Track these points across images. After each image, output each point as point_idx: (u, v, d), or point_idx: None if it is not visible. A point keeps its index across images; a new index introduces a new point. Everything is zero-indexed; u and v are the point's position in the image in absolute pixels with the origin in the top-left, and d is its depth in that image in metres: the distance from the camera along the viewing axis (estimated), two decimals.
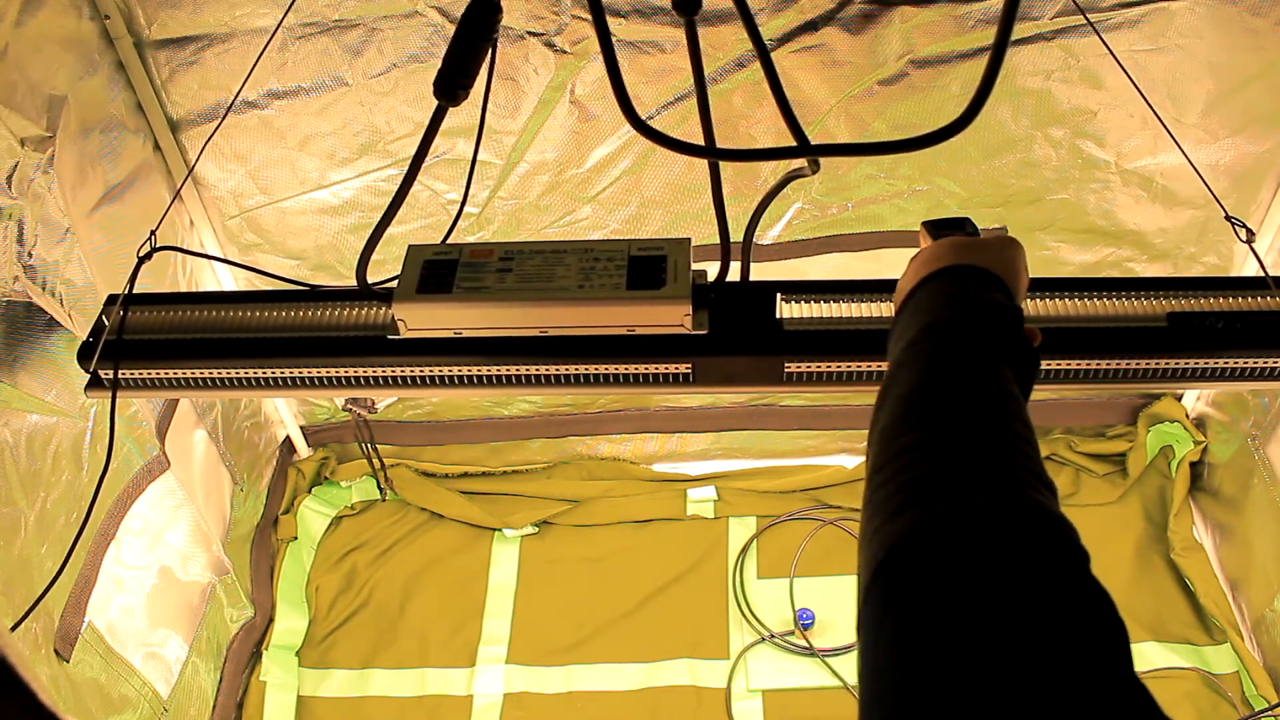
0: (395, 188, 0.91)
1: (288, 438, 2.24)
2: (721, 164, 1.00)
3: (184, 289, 1.74)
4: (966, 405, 0.61)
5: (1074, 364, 0.99)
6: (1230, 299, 1.00)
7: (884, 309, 1.02)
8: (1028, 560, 0.49)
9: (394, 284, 0.99)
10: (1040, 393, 1.88)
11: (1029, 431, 0.60)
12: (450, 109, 0.87)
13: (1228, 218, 1.08)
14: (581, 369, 1.01)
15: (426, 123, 0.87)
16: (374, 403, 2.08)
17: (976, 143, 1.65)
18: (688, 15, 0.87)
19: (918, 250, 0.87)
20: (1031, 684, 0.44)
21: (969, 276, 0.74)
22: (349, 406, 2.07)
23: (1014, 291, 0.75)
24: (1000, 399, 0.62)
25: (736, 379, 1.02)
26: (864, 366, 1.00)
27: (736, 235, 1.02)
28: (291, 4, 1.41)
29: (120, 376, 1.04)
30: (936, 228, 0.90)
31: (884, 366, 0.99)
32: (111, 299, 1.09)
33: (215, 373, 1.04)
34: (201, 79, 1.54)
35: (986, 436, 0.58)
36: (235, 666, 1.94)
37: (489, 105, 1.09)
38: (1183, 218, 1.77)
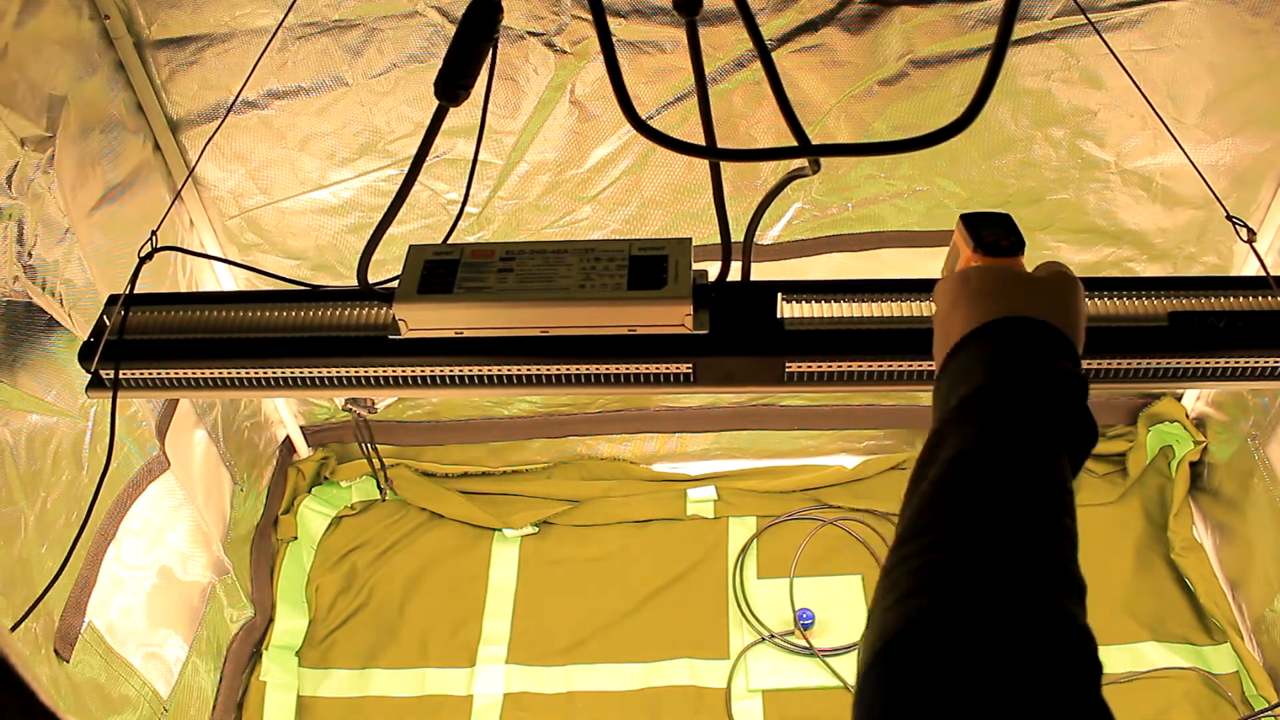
0: (395, 188, 0.91)
1: (288, 438, 2.24)
2: (722, 164, 1.00)
3: (184, 289, 1.74)
4: (1012, 491, 0.57)
5: None
6: (1231, 299, 1.00)
7: (885, 309, 1.02)
8: (1035, 673, 0.47)
9: (395, 284, 0.99)
10: None
11: (1072, 523, 0.57)
12: (450, 109, 0.87)
13: (1229, 217, 1.08)
14: (582, 369, 1.01)
15: (426, 123, 0.87)
16: (374, 403, 2.08)
17: (976, 143, 1.66)
18: (688, 15, 0.87)
19: (958, 267, 0.81)
20: None
21: (1031, 334, 0.66)
22: (349, 406, 2.07)
23: (1076, 345, 0.68)
24: (1050, 487, 0.57)
25: (737, 379, 1.02)
26: (865, 367, 1.00)
27: (737, 235, 1.02)
28: (292, 4, 1.41)
29: (121, 376, 1.04)
30: (975, 224, 0.85)
31: (886, 366, 1.00)
32: (112, 299, 1.08)
33: (216, 373, 1.04)
34: (201, 79, 1.54)
35: (1025, 529, 0.54)
36: (235, 666, 1.94)
37: (489, 105, 1.09)
38: (1183, 218, 1.77)
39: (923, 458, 0.62)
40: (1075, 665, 0.47)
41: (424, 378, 1.04)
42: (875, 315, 1.02)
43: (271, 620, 2.06)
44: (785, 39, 1.50)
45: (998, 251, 0.82)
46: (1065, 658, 0.48)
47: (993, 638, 0.48)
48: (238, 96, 1.48)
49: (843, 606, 2.04)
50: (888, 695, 0.49)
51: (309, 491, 2.24)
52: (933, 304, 0.78)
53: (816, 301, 1.03)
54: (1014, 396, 0.62)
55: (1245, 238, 1.06)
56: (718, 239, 1.02)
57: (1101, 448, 2.18)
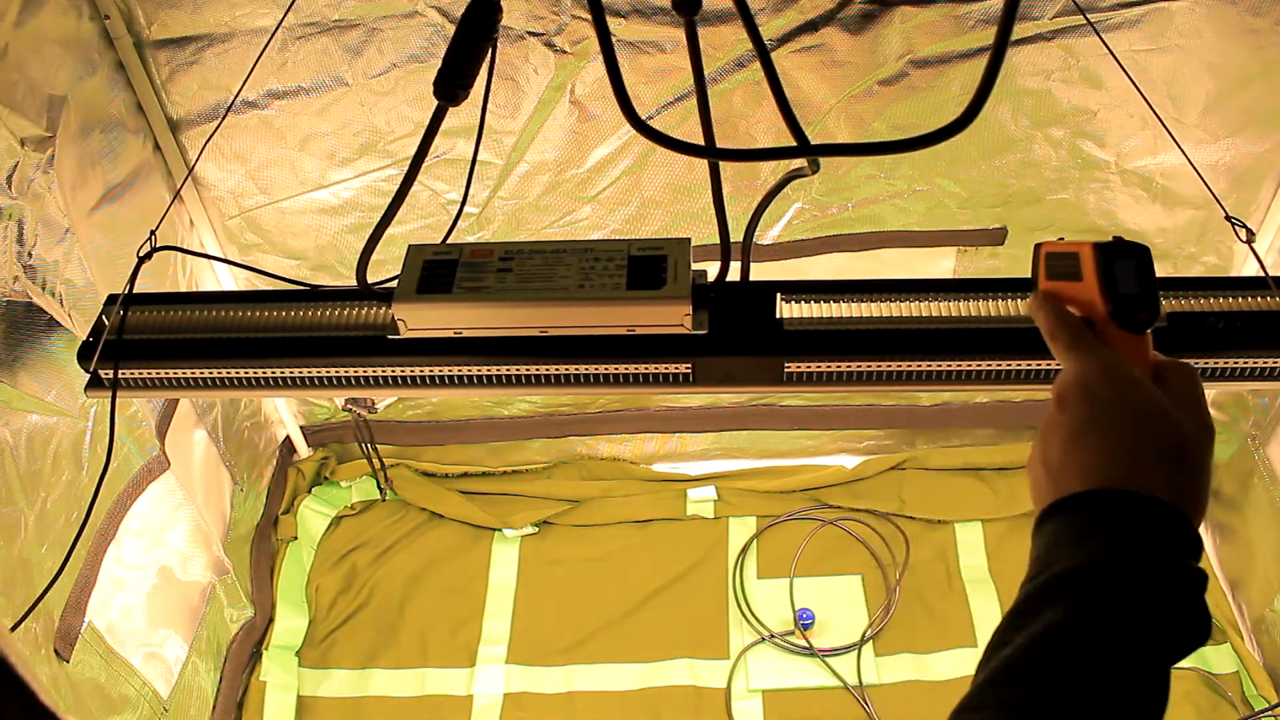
0: (395, 188, 0.91)
1: (288, 438, 2.24)
2: (721, 164, 1.00)
3: (184, 289, 1.74)
4: (1094, 679, 0.53)
5: None
6: (1231, 299, 1.00)
7: (885, 309, 1.02)
8: None
9: (394, 284, 0.99)
10: (1042, 393, 1.88)
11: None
12: (450, 109, 0.87)
13: (1228, 218, 1.08)
14: (582, 369, 1.01)
15: (426, 123, 0.87)
16: (374, 403, 2.08)
17: (976, 143, 1.66)
18: (688, 15, 0.87)
19: (1080, 310, 0.70)
20: None
21: (1156, 523, 0.57)
22: (349, 406, 2.07)
23: (1200, 524, 0.59)
24: (1136, 681, 0.53)
25: (736, 379, 1.02)
26: (865, 367, 1.00)
27: (736, 235, 1.02)
28: (292, 4, 1.41)
29: (120, 376, 1.04)
30: (1110, 259, 0.70)
31: (886, 366, 1.00)
32: (112, 299, 1.08)
33: (215, 373, 1.04)
34: (201, 79, 1.54)
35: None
36: (235, 666, 1.94)
37: (489, 105, 1.09)
38: (1182, 218, 1.77)
39: (1010, 620, 0.57)
40: None
41: (423, 378, 1.04)
42: (875, 315, 1.02)
43: (271, 620, 2.06)
44: (785, 39, 1.50)
45: (1138, 327, 0.69)
46: None
47: None
48: (237, 96, 1.48)
49: (843, 606, 2.04)
50: None
51: (309, 491, 2.24)
52: (1050, 399, 0.67)
53: (816, 302, 1.03)
54: (1137, 595, 0.55)
55: (1244, 238, 1.06)
56: (717, 239, 1.02)
57: None
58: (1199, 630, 0.55)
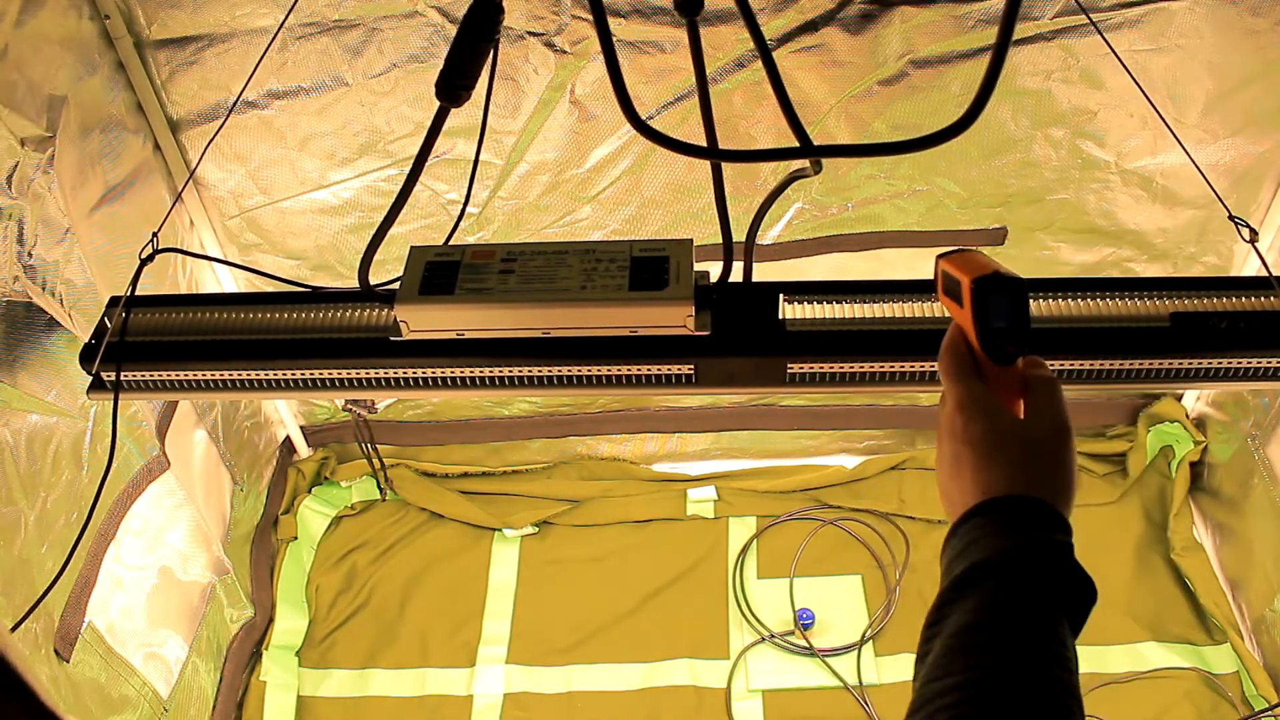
0: (395, 188, 0.91)
1: (288, 438, 2.24)
2: (723, 165, 1.00)
3: (184, 289, 1.74)
4: (1014, 657, 0.63)
5: (1075, 364, 0.99)
6: (1232, 299, 1.00)
7: (886, 309, 1.02)
8: None
9: (396, 285, 0.99)
10: None
11: (1070, 675, 0.63)
12: (451, 109, 0.87)
13: (1231, 217, 1.08)
14: (584, 370, 1.01)
15: (427, 123, 0.87)
16: (374, 403, 2.08)
17: (976, 143, 1.66)
18: (689, 16, 0.87)
19: (960, 335, 0.79)
20: None
21: (1026, 513, 0.71)
22: (349, 406, 2.07)
23: (1068, 508, 0.72)
24: (1049, 649, 0.63)
25: (739, 380, 1.02)
26: (867, 367, 1.00)
27: (738, 235, 1.02)
28: (293, 4, 1.41)
29: (122, 379, 1.04)
30: (985, 296, 0.76)
31: (887, 366, 1.00)
32: (113, 301, 1.08)
33: (217, 375, 1.04)
34: (201, 79, 1.54)
35: (1029, 690, 0.61)
36: (235, 666, 1.94)
37: (489, 105, 1.09)
38: (1183, 218, 1.77)
39: (927, 631, 0.68)
40: None
41: (425, 379, 1.04)
42: (876, 316, 1.02)
43: (271, 620, 2.05)
44: (785, 39, 1.50)
45: (1005, 360, 0.77)
46: None
47: None
48: (238, 97, 1.48)
49: (843, 606, 2.04)
50: None
51: (309, 491, 2.24)
52: (938, 434, 0.79)
53: (818, 302, 1.03)
54: (1011, 570, 0.67)
55: (1247, 238, 1.06)
56: (718, 239, 1.02)
57: (1101, 447, 2.18)
58: (1086, 587, 0.67)
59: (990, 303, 0.76)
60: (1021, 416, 0.76)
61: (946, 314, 1.00)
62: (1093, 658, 1.89)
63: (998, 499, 0.72)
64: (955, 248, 0.83)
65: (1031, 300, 1.00)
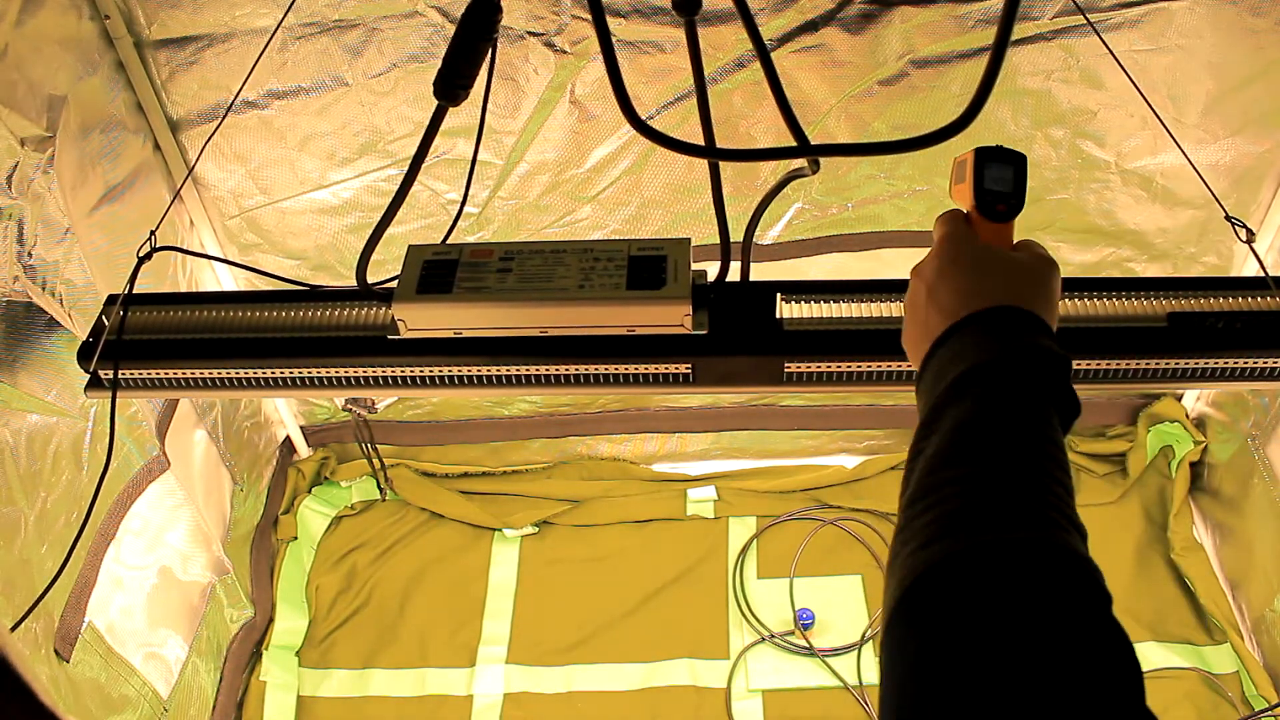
0: (395, 188, 0.91)
1: (288, 438, 2.24)
2: (721, 164, 1.00)
3: (184, 289, 1.74)
4: (1012, 445, 0.61)
5: (1075, 364, 0.99)
6: (1231, 299, 1.00)
7: (885, 309, 1.02)
8: (1053, 596, 0.52)
9: (394, 284, 0.99)
10: None
11: (1068, 477, 0.61)
12: (450, 109, 0.87)
13: (1228, 218, 1.08)
14: (582, 369, 1.01)
15: (426, 123, 0.87)
16: (374, 403, 2.08)
17: (976, 143, 1.65)
18: (688, 15, 0.87)
19: (955, 202, 0.83)
20: (1046, 713, 0.46)
21: (1015, 320, 0.71)
22: (349, 406, 2.07)
23: (1053, 325, 0.73)
24: (1045, 443, 0.62)
25: (737, 379, 1.02)
26: (865, 367, 1.00)
27: (736, 235, 1.02)
28: (292, 4, 1.41)
29: (120, 377, 1.04)
30: (984, 163, 0.83)
31: (886, 366, 1.00)
32: (111, 299, 1.08)
33: (215, 373, 1.04)
34: (201, 79, 1.54)
35: (1028, 477, 0.59)
36: (235, 666, 1.94)
37: (489, 105, 1.09)
38: (1183, 218, 1.77)
39: (921, 432, 0.66)
40: (1088, 592, 0.53)
41: (423, 378, 1.04)
42: (875, 316, 1.02)
43: (271, 620, 2.06)
44: (785, 39, 1.50)
45: (995, 217, 0.83)
46: (1079, 586, 0.53)
47: (1014, 572, 0.53)
48: (237, 96, 1.48)
49: (843, 606, 2.04)
50: (919, 631, 0.52)
51: (309, 491, 2.24)
52: (911, 280, 0.81)
53: (816, 302, 1.03)
54: (1006, 372, 0.66)
55: (1245, 238, 1.06)
56: (717, 239, 1.02)
57: (1101, 447, 2.18)
58: (1072, 398, 0.67)
59: (988, 168, 0.83)
60: None
61: None
62: None
63: (983, 311, 0.71)
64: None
65: None
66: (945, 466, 0.61)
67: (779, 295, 1.03)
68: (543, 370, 1.02)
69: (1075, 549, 0.55)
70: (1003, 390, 0.65)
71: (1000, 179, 0.83)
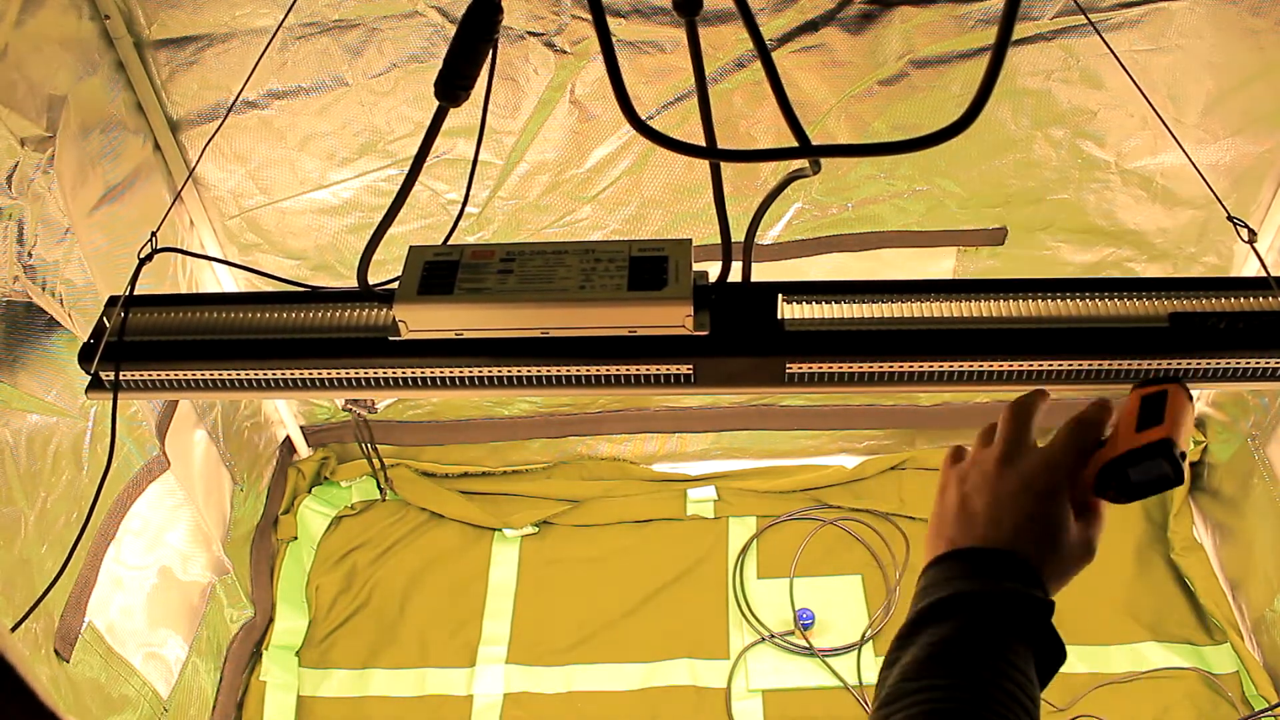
0: (395, 188, 0.91)
1: (288, 438, 2.24)
2: (722, 164, 1.00)
3: (184, 289, 1.74)
4: (989, 673, 0.66)
5: (1074, 364, 0.99)
6: (1232, 299, 1.00)
7: (886, 309, 1.02)
8: None
9: (395, 285, 0.99)
10: None
11: (1025, 710, 0.66)
12: (450, 109, 0.87)
13: (1230, 218, 1.08)
14: (583, 370, 1.01)
15: (426, 123, 0.87)
16: (374, 403, 2.08)
17: (976, 143, 1.66)
18: (689, 16, 0.86)
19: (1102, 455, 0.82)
20: None
21: (1019, 569, 0.73)
22: (349, 406, 2.07)
23: (1055, 576, 0.75)
24: (1021, 685, 0.67)
25: (738, 380, 1.02)
26: (866, 367, 1.00)
27: (737, 235, 1.02)
28: (292, 4, 1.41)
29: (121, 378, 1.04)
30: (1155, 452, 0.78)
31: (887, 367, 1.00)
32: (112, 300, 1.08)
33: (216, 374, 1.04)
34: (201, 79, 1.54)
35: (1000, 705, 0.65)
36: (235, 666, 1.94)
37: (489, 105, 1.09)
38: (1183, 218, 1.77)
39: (897, 643, 0.71)
40: None
41: (424, 378, 1.04)
42: (876, 316, 1.01)
43: (271, 620, 2.06)
44: (785, 39, 1.50)
45: (1101, 494, 0.80)
46: None
47: None
48: (238, 96, 1.48)
49: (843, 606, 2.04)
50: None
51: (309, 491, 2.24)
52: (946, 484, 0.84)
53: (817, 302, 1.03)
54: (988, 606, 0.71)
55: (1246, 238, 1.05)
56: (717, 239, 1.02)
57: None
58: (1056, 645, 0.70)
59: (1147, 462, 0.78)
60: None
61: (945, 313, 1.00)
62: (1093, 658, 1.89)
63: (999, 549, 0.74)
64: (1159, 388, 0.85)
65: (1031, 300, 1.01)
66: (923, 675, 0.67)
67: (780, 296, 1.03)
68: (544, 371, 1.02)
69: None
70: (985, 619, 0.70)
71: (1147, 478, 0.78)
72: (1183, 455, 0.79)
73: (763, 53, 0.84)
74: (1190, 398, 0.83)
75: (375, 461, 2.16)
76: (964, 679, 0.66)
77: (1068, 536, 0.76)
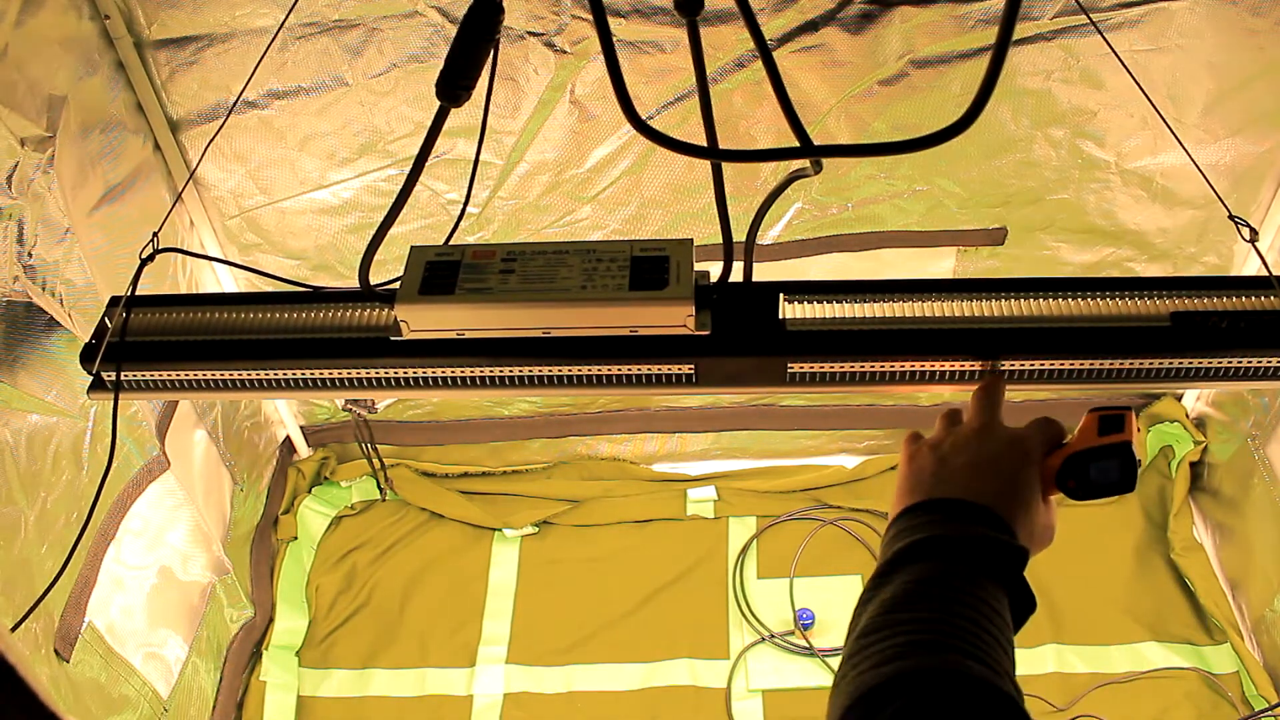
0: (395, 188, 0.91)
1: (288, 438, 2.24)
2: (723, 165, 1.00)
3: (184, 289, 1.74)
4: (970, 606, 0.69)
5: (1075, 364, 0.99)
6: (1233, 299, 1.00)
7: (886, 309, 1.02)
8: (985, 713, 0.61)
9: (396, 285, 0.99)
10: (1041, 392, 1.89)
11: (1012, 648, 0.69)
12: (451, 109, 0.87)
13: (1231, 217, 1.08)
14: (584, 370, 1.01)
15: (427, 123, 0.87)
16: (374, 403, 2.08)
17: (976, 143, 1.66)
18: (689, 16, 0.87)
19: (1049, 460, 0.85)
20: None
21: (988, 519, 0.76)
22: (349, 406, 2.07)
23: (1016, 528, 0.77)
24: (995, 619, 0.69)
25: (739, 380, 1.02)
26: (867, 367, 1.00)
27: (738, 235, 1.02)
28: (293, 4, 1.41)
29: (123, 379, 1.04)
30: (1110, 453, 0.82)
31: (887, 366, 1.00)
32: (114, 300, 1.08)
33: (218, 375, 1.04)
34: (201, 79, 1.54)
35: (980, 632, 0.67)
36: (235, 666, 1.94)
37: (489, 105, 1.09)
38: (1183, 217, 1.77)
39: (874, 582, 0.73)
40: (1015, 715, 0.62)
41: (425, 378, 1.04)
42: (877, 316, 1.02)
43: (271, 620, 2.05)
44: (785, 39, 1.50)
45: (1061, 487, 0.83)
46: (1010, 713, 0.62)
47: (958, 695, 0.62)
48: (238, 97, 1.48)
49: (843, 606, 2.04)
50: None
51: (309, 491, 2.24)
52: (903, 451, 0.86)
53: (818, 302, 1.03)
54: (961, 550, 0.73)
55: (1247, 237, 1.06)
56: (718, 239, 1.02)
57: None
58: (1027, 593, 0.73)
59: (1104, 460, 0.81)
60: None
61: (945, 313, 1.00)
62: (1093, 658, 1.89)
63: (975, 503, 0.77)
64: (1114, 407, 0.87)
65: (1031, 300, 1.01)
66: (904, 608, 0.69)
67: (782, 296, 1.03)
68: (545, 371, 1.02)
69: (1009, 696, 0.63)
70: (960, 560, 0.73)
71: (1106, 478, 0.82)
72: (1139, 463, 0.83)
73: (764, 52, 0.84)
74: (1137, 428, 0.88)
75: (375, 461, 2.16)
76: (943, 613, 0.67)
77: (1038, 508, 0.80)
